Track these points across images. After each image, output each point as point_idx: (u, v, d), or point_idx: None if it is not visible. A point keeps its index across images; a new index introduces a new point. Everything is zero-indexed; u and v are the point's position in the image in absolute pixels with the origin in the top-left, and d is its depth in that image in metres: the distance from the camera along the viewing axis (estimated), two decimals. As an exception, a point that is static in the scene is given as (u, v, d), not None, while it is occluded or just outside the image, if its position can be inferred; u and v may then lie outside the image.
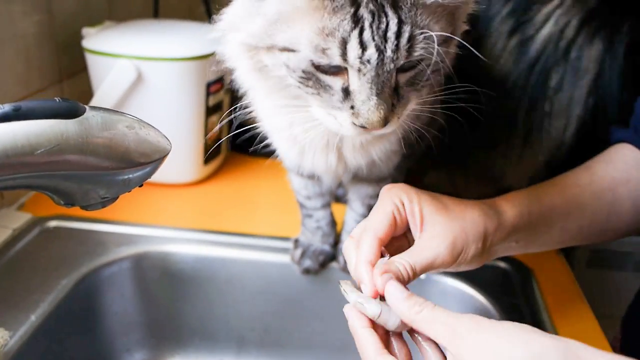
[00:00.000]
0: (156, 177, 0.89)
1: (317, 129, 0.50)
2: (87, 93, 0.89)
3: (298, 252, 0.76)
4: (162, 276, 0.79)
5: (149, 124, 0.39)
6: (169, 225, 0.82)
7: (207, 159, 0.95)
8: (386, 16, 0.42)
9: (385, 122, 0.44)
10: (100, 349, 0.76)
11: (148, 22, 0.97)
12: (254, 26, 0.47)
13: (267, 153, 1.01)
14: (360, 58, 0.42)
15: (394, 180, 0.69)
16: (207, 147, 0.94)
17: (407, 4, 0.43)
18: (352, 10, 0.42)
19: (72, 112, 0.35)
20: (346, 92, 0.45)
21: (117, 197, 0.38)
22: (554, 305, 0.72)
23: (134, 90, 0.85)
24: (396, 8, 0.42)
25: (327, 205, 0.75)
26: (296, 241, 0.77)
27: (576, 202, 0.60)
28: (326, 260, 0.76)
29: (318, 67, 0.44)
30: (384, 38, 0.42)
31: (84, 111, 0.35)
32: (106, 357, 0.77)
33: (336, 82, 0.45)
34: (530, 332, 0.40)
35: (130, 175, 0.36)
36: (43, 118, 0.33)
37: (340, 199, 0.90)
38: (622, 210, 0.61)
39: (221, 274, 0.79)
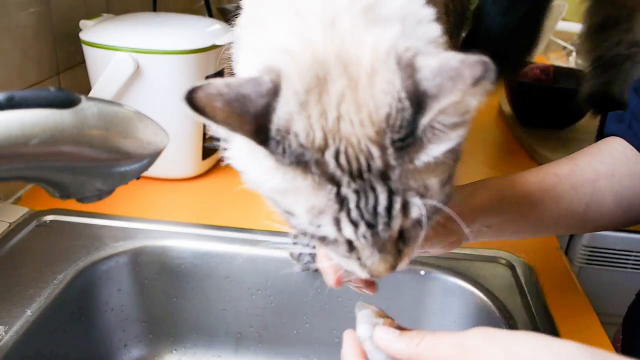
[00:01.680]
0: (154, 171, 0.90)
1: None
2: (84, 86, 0.88)
3: (297, 248, 0.75)
4: (159, 271, 0.78)
5: (147, 116, 0.38)
6: (167, 219, 0.82)
7: (206, 154, 0.94)
8: (374, 191, 0.38)
9: (393, 268, 0.42)
10: (97, 344, 0.75)
11: (147, 15, 0.96)
12: (270, 183, 0.41)
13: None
14: (356, 234, 0.40)
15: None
16: (205, 142, 0.93)
17: (396, 173, 0.38)
18: (334, 190, 0.38)
19: (67, 102, 0.34)
20: (350, 245, 0.42)
21: (114, 190, 0.37)
22: (555, 303, 0.71)
23: (132, 84, 0.84)
24: (385, 180, 0.38)
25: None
26: (296, 237, 0.77)
27: (553, 192, 0.59)
28: (326, 257, 0.75)
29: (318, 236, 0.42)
30: (374, 214, 0.39)
31: (79, 101, 0.34)
32: (102, 353, 0.76)
33: (341, 238, 0.42)
34: (549, 338, 0.38)
35: (127, 168, 0.35)
36: (37, 108, 0.32)
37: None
38: (603, 203, 0.61)
39: (219, 269, 0.78)
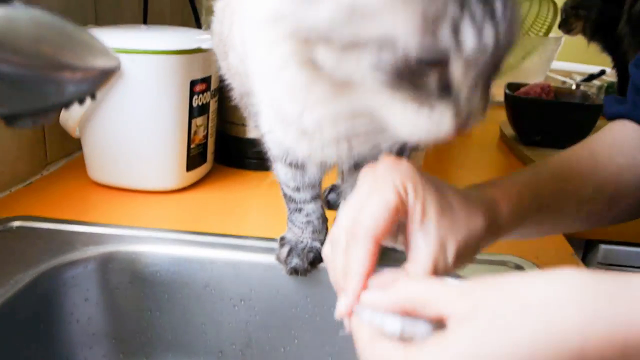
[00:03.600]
0: (133, 181, 0.86)
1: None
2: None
3: (285, 249, 0.68)
4: (132, 280, 0.70)
5: (95, 36, 0.33)
6: (143, 226, 0.75)
7: (190, 166, 0.89)
8: None
9: (483, 117, 0.38)
10: (58, 362, 0.67)
11: (134, 26, 0.93)
12: (317, 15, 0.36)
13: (256, 165, 0.97)
14: (478, 45, 0.34)
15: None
16: (190, 152, 0.88)
17: None
18: None
19: (-6, -5, 0.29)
20: (445, 85, 0.36)
21: (52, 115, 0.32)
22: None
23: (113, 86, 0.80)
24: None
25: (317, 198, 0.68)
26: (282, 239, 0.70)
27: (575, 196, 0.55)
28: (316, 259, 0.68)
29: (413, 63, 0.35)
30: (494, 21, 0.34)
31: (10, 1, 0.29)
32: (65, 372, 0.68)
33: (432, 76, 0.36)
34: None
35: (62, 79, 0.30)
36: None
37: (332, 205, 0.83)
38: (627, 196, 0.57)
39: (198, 277, 0.71)
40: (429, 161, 1.00)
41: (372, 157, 0.60)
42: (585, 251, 0.97)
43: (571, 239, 0.81)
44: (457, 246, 0.43)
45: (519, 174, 0.56)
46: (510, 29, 0.35)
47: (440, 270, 0.43)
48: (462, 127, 0.38)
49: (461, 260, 0.45)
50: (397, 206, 0.42)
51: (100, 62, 0.31)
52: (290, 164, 0.63)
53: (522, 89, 1.22)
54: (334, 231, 0.45)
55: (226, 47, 0.65)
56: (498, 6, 0.35)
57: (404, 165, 0.45)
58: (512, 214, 0.50)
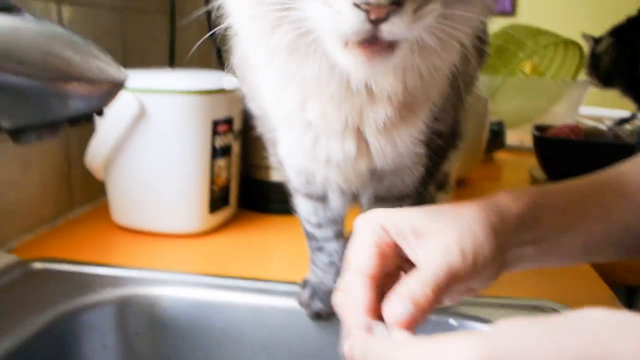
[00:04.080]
0: (155, 224, 0.85)
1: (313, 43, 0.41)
2: (90, 129, 0.85)
3: (307, 292, 0.66)
4: (151, 324, 0.68)
5: (102, 51, 0.32)
6: (164, 269, 0.73)
7: (213, 208, 0.88)
8: None
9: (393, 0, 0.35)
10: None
11: (160, 68, 0.95)
12: None
13: (280, 209, 0.96)
14: None
15: (416, 202, 0.60)
16: (213, 194, 0.87)
17: None
18: None
19: (5, 7, 0.28)
20: None
21: (57, 130, 0.31)
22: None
23: (137, 126, 0.80)
24: None
25: (339, 235, 0.66)
26: (305, 281, 0.67)
27: (596, 199, 0.51)
28: (340, 302, 0.65)
29: None
30: None
31: (20, 12, 0.29)
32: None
33: None
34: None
35: (68, 90, 0.29)
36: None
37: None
38: None
39: (218, 322, 0.68)
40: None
41: (389, 187, 0.58)
42: (627, 297, 0.91)
43: (611, 283, 0.76)
44: (459, 239, 0.43)
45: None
46: None
47: (453, 269, 0.41)
48: (370, 7, 0.35)
49: (485, 255, 0.43)
50: (377, 242, 0.44)
51: (107, 76, 0.31)
52: (311, 196, 0.61)
53: (551, 131, 1.20)
54: (334, 297, 0.45)
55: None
56: None
57: (372, 212, 0.47)
58: (521, 204, 0.47)
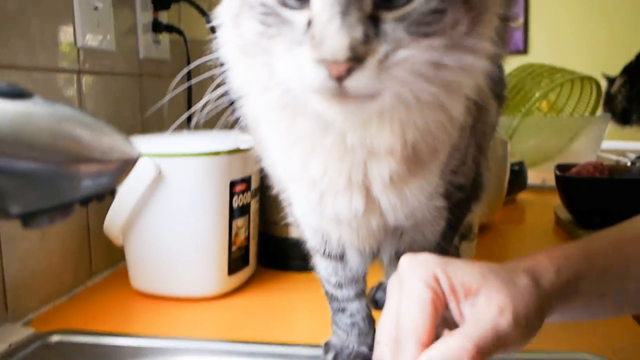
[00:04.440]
0: (175, 288, 0.84)
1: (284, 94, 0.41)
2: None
3: (329, 356, 0.63)
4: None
5: (114, 129, 0.32)
6: (184, 336, 0.72)
7: (232, 269, 0.87)
8: None
9: (352, 53, 0.34)
10: None
11: (177, 132, 0.96)
12: None
13: (300, 266, 0.94)
14: None
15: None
16: (232, 255, 0.86)
17: None
18: None
19: (13, 93, 0.29)
20: (309, 24, 0.36)
21: (68, 212, 0.30)
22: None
23: (154, 190, 0.80)
24: None
25: (361, 295, 0.64)
26: (327, 344, 0.65)
27: (637, 259, 0.49)
28: (364, 365, 0.62)
29: (280, 2, 0.37)
30: None
31: (30, 96, 0.29)
32: None
33: (299, 17, 0.37)
34: None
35: (78, 173, 0.29)
36: (-24, 96, 0.27)
37: (379, 305, 0.78)
38: None
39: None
40: (481, 252, 0.94)
41: (411, 243, 0.56)
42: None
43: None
44: (513, 304, 0.41)
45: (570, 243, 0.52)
46: None
47: (502, 334, 0.40)
48: (328, 64, 0.34)
49: (534, 324, 0.43)
50: (433, 300, 0.41)
51: (119, 155, 0.31)
52: (329, 255, 0.60)
53: (574, 169, 1.17)
54: (377, 350, 0.43)
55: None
56: None
57: (422, 257, 0.45)
58: (561, 276, 0.46)
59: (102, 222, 0.84)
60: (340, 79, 0.35)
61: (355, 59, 0.34)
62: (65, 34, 0.87)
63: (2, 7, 0.74)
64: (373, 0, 0.35)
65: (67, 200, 0.29)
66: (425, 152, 0.47)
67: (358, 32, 0.34)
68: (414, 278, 0.43)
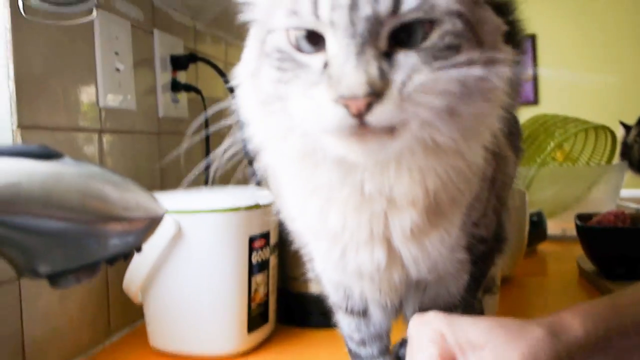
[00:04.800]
0: (194, 347, 0.82)
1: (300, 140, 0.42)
2: (126, 256, 0.86)
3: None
4: None
5: (137, 185, 0.32)
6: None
7: (252, 327, 0.85)
8: None
9: (371, 88, 0.35)
10: None
11: (196, 188, 0.96)
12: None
13: (321, 322, 0.92)
14: (331, 13, 0.36)
15: (465, 313, 0.57)
16: (251, 312, 0.85)
17: None
18: None
19: (44, 155, 0.29)
20: (325, 65, 0.38)
21: (95, 271, 0.30)
22: None
23: (173, 247, 0.80)
24: None
25: (385, 352, 0.62)
26: (353, 404, 0.63)
27: None
28: None
29: (295, 47, 0.39)
30: None
31: (60, 157, 0.30)
32: None
33: (315, 60, 0.38)
34: None
35: (106, 232, 0.29)
36: (10, 157, 0.28)
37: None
38: None
39: None
40: (505, 305, 0.92)
41: (434, 297, 0.55)
42: None
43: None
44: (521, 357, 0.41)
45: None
46: None
47: None
48: (347, 101, 0.35)
49: None
50: (441, 356, 0.43)
51: (145, 213, 0.31)
52: (352, 311, 0.59)
53: (595, 219, 1.15)
54: None
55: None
56: None
57: (429, 315, 0.46)
58: (588, 331, 0.45)
59: (121, 280, 0.84)
60: (360, 115, 0.36)
61: (374, 94, 0.35)
62: (88, 95, 0.89)
63: (28, 69, 0.77)
64: (388, 39, 0.37)
65: (94, 260, 0.29)
66: (446, 202, 0.47)
67: (374, 68, 0.36)
68: (422, 337, 0.44)
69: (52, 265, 0.28)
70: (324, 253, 0.53)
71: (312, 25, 0.38)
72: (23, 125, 0.75)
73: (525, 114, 1.71)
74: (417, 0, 0.36)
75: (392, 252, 0.48)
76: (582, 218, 1.18)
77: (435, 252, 0.49)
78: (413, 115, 0.37)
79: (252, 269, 0.84)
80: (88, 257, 0.29)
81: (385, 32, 0.37)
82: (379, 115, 0.36)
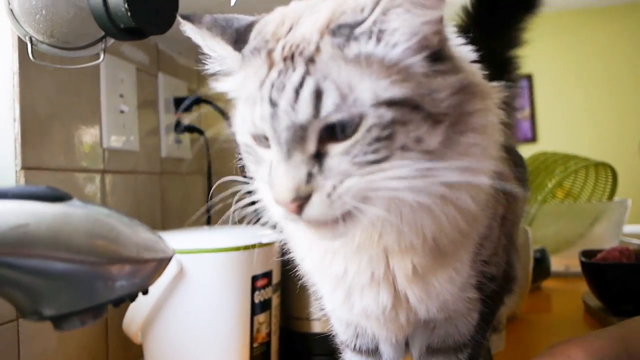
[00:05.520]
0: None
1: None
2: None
3: None
4: None
5: (145, 226, 0.33)
6: None
7: (255, 365, 0.84)
8: (294, 70, 0.39)
9: (296, 194, 0.38)
10: None
11: (198, 228, 0.96)
12: None
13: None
14: (261, 114, 0.39)
15: (474, 353, 0.56)
16: (253, 352, 0.83)
17: (323, 57, 0.39)
18: (267, 71, 0.40)
19: (52, 197, 0.29)
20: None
21: (101, 314, 0.30)
22: None
23: (175, 286, 0.80)
24: (308, 62, 0.39)
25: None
26: None
27: None
28: None
29: (256, 139, 0.43)
30: (282, 91, 0.38)
31: (68, 199, 0.30)
32: None
33: (267, 155, 0.42)
34: None
35: (114, 273, 0.29)
36: (19, 199, 0.28)
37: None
38: None
39: None
40: (511, 343, 0.90)
41: (444, 337, 0.55)
42: None
43: None
44: None
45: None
46: (294, 107, 0.38)
47: None
48: (280, 204, 0.39)
49: None
50: None
51: (153, 254, 0.31)
52: (360, 350, 0.58)
53: (599, 255, 1.15)
54: None
55: None
56: (293, 79, 0.39)
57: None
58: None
59: (121, 319, 0.83)
60: (296, 213, 0.40)
61: (301, 198, 0.39)
62: (92, 136, 0.90)
63: (33, 111, 0.78)
64: (318, 139, 0.39)
65: (100, 302, 0.29)
66: (448, 245, 0.47)
67: (301, 174, 0.39)
68: None
69: (57, 308, 0.28)
70: (330, 294, 0.53)
71: (255, 131, 0.42)
72: (27, 166, 0.76)
73: (524, 151, 1.72)
74: (335, 103, 0.38)
75: (397, 293, 0.48)
76: (587, 254, 1.17)
77: (445, 292, 0.49)
78: (346, 208, 0.39)
79: (255, 309, 0.83)
80: (94, 299, 0.29)
81: (312, 135, 0.39)
82: (311, 214, 0.39)
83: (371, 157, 0.38)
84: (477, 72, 0.45)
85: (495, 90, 0.46)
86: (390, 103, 0.38)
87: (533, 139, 4.65)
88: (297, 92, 0.38)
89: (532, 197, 1.56)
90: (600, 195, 1.74)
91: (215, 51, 0.47)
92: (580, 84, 4.60)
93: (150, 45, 1.09)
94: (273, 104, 0.38)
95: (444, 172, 0.39)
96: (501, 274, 0.55)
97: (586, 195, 1.78)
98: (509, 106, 0.54)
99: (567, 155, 1.64)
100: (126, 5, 0.65)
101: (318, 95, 0.37)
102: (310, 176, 0.38)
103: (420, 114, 0.39)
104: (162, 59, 1.13)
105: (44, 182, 0.79)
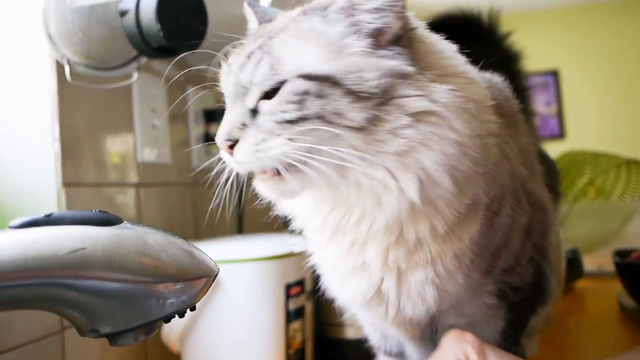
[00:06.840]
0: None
1: None
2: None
3: None
4: None
5: (194, 245, 0.34)
6: None
7: (290, 374, 0.85)
8: (252, 43, 0.48)
9: (228, 136, 0.46)
10: None
11: (231, 237, 0.99)
12: None
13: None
14: (221, 76, 0.50)
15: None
16: (288, 359, 0.85)
17: (280, 35, 0.47)
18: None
19: (105, 221, 0.31)
20: None
21: (153, 329, 0.32)
22: None
23: (211, 296, 0.82)
24: (267, 39, 0.47)
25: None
26: None
27: None
28: None
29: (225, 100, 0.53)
30: (237, 56, 0.48)
31: (119, 222, 0.32)
32: None
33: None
34: None
35: (165, 292, 0.31)
36: (74, 224, 0.30)
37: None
38: None
39: None
40: (544, 346, 0.90)
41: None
42: None
43: None
44: None
45: None
46: (241, 70, 0.48)
47: None
48: (219, 139, 0.49)
49: None
50: None
51: (200, 272, 0.32)
52: (390, 353, 0.59)
53: (634, 255, 1.13)
54: None
55: None
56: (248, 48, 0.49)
57: (468, 336, 0.48)
58: None
59: (159, 330, 0.85)
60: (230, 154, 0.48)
61: (231, 140, 0.47)
62: (127, 151, 0.93)
63: (71, 130, 0.81)
64: (257, 98, 0.47)
65: (152, 319, 0.31)
66: (416, 241, 0.49)
67: (236, 121, 0.47)
68: (450, 351, 0.47)
69: (113, 326, 0.30)
70: (328, 282, 0.59)
71: (222, 90, 0.51)
72: (67, 183, 0.79)
73: (551, 148, 1.71)
74: (265, 72, 0.46)
75: (376, 283, 0.52)
76: (621, 254, 1.16)
77: (426, 293, 0.51)
78: (273, 163, 0.46)
79: (289, 316, 0.85)
80: (147, 316, 0.30)
81: (252, 94, 0.47)
82: (237, 156, 0.47)
83: (286, 116, 0.45)
84: (453, 64, 0.49)
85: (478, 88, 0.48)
86: (309, 77, 0.45)
87: (561, 135, 4.58)
88: (247, 58, 0.47)
89: (563, 196, 1.55)
90: (632, 193, 1.71)
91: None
92: (609, 78, 4.51)
93: (179, 60, 1.11)
94: (229, 65, 0.48)
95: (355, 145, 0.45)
96: (527, 285, 0.55)
97: (618, 193, 1.75)
98: (522, 112, 0.55)
99: (596, 154, 1.62)
100: (159, 26, 0.67)
101: (258, 64, 0.46)
102: (244, 125, 0.46)
103: (339, 90, 0.44)
104: (191, 72, 1.16)
105: (83, 198, 0.82)
